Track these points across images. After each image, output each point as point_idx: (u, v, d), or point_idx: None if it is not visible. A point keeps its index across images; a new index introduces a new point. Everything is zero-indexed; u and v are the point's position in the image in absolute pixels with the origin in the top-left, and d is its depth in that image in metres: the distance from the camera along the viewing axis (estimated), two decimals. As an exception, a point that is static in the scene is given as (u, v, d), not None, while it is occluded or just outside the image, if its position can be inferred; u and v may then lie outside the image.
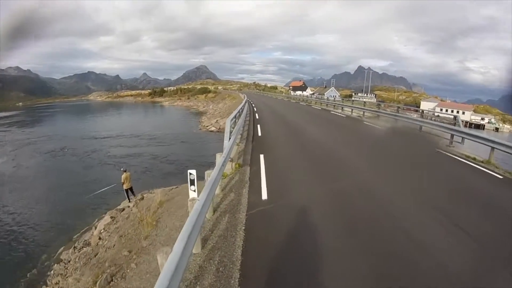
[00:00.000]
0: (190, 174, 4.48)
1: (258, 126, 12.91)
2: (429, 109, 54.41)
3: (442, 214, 4.21)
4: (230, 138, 6.92)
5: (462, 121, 19.35)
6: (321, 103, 29.02)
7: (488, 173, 6.65)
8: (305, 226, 3.97)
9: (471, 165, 7.19)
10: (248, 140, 9.90)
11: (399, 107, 15.46)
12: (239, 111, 11.42)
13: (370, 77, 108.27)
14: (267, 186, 5.43)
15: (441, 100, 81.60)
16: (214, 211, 4.59)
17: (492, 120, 48.84)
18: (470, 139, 8.26)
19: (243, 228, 3.96)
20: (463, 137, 8.45)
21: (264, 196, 5.02)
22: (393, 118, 13.55)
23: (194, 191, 4.45)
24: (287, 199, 4.90)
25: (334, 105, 24.06)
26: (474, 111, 62.60)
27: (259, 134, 11.13)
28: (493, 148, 7.42)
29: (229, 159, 6.51)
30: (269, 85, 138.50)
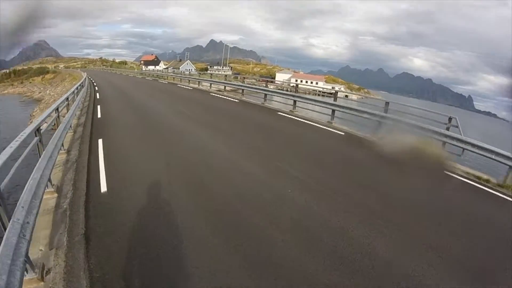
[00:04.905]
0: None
1: (101, 162, 5.09)
2: (285, 80, 62.12)
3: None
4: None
5: (315, 91, 22.32)
6: (189, 80, 24.75)
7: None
8: None
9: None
10: (72, 231, 3.05)
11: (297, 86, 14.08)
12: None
13: (228, 51, 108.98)
14: None
15: (294, 72, 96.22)
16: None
17: (342, 88, 62.41)
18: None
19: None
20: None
21: None
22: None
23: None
24: None
25: (211, 83, 19.78)
26: (326, 81, 76.63)
27: (103, 189, 4.08)
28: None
29: None
30: (117, 60, 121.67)
